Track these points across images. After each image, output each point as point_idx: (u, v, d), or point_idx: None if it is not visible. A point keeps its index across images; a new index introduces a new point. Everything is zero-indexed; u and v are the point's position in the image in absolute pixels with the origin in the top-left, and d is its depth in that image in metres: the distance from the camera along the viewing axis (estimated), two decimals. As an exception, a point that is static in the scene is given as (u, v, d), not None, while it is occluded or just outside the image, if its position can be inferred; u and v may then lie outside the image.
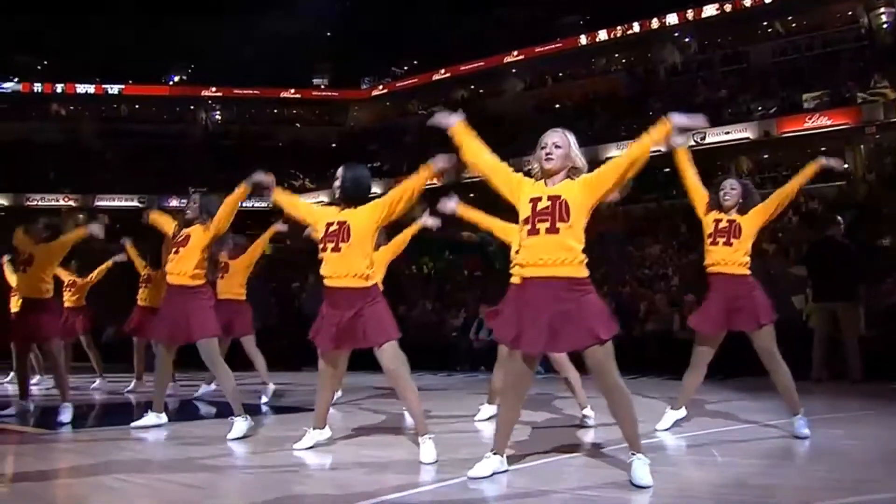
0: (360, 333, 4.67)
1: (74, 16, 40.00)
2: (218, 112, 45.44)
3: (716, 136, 28.21)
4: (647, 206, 27.74)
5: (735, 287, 5.31)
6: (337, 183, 4.93)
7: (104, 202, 38.46)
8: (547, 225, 3.88)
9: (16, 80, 42.85)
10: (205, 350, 5.82)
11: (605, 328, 3.82)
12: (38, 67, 44.13)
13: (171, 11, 40.69)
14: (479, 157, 4.21)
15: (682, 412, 5.63)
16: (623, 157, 3.93)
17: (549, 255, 3.86)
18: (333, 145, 43.11)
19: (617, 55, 37.53)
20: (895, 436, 5.53)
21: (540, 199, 3.94)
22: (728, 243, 5.30)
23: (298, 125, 44.71)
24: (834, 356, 9.45)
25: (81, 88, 43.55)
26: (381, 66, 44.21)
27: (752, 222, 5.36)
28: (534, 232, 3.91)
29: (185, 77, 46.26)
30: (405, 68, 44.21)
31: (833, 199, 23.82)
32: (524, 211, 3.98)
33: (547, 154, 4.00)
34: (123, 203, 38.59)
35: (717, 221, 5.38)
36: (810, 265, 9.96)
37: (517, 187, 4.07)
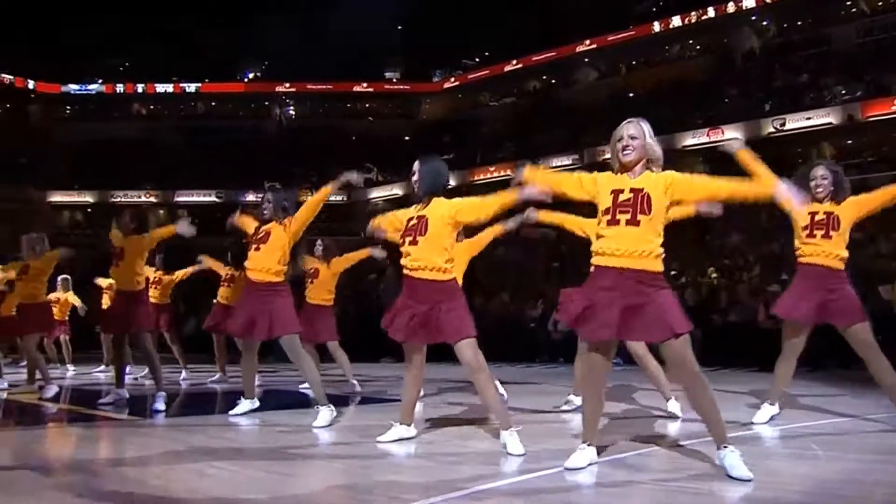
0: (433, 328, 4.67)
1: (152, 17, 41.16)
2: (292, 107, 46.15)
3: (796, 122, 27.43)
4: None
5: (828, 281, 5.17)
6: (414, 178, 4.94)
7: (183, 197, 39.55)
8: (628, 216, 3.86)
9: (100, 81, 44.38)
10: (287, 345, 5.94)
11: (680, 323, 3.78)
12: (121, 69, 45.58)
13: (245, 10, 41.47)
14: (556, 186, 4.23)
15: (777, 408, 5.50)
16: (721, 187, 3.91)
17: (628, 246, 3.84)
18: (406, 138, 43.30)
19: (691, 41, 36.75)
20: None
21: (622, 190, 3.92)
22: (827, 236, 5.16)
23: (371, 119, 45.07)
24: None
25: (161, 88, 44.82)
26: (452, 59, 44.23)
27: (850, 213, 5.20)
28: (614, 222, 3.89)
29: (259, 74, 47.09)
30: (476, 60, 44.10)
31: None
32: (605, 201, 3.96)
33: (624, 147, 3.96)
34: (202, 198, 39.60)
35: (814, 214, 5.22)
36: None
37: (592, 184, 4.05)
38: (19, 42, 40.58)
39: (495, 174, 35.06)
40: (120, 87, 44.70)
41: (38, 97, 43.94)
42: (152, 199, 39.54)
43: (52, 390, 7.81)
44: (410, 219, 4.85)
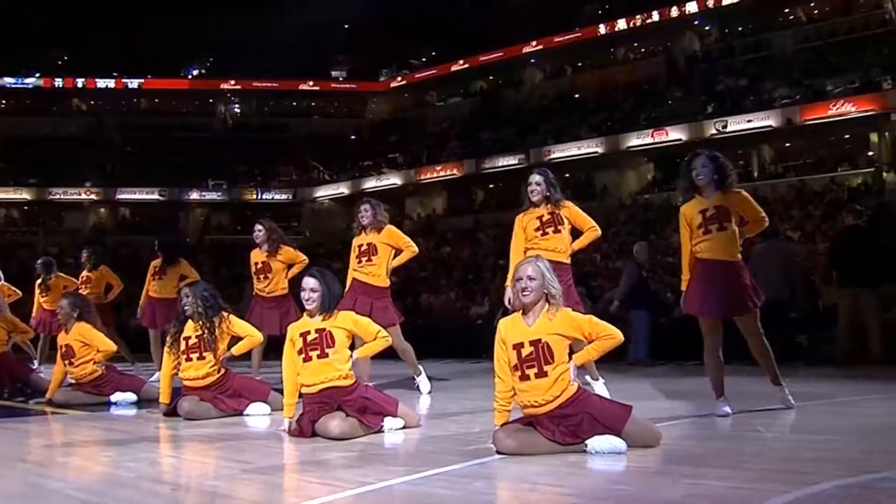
0: None
1: (93, 10, 40.22)
2: (237, 105, 45.56)
3: (737, 125, 27.97)
4: None
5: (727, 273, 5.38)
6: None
7: (125, 195, 38.77)
8: (535, 370, 4.05)
9: (37, 75, 43.15)
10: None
11: (616, 423, 4.06)
12: (59, 63, 44.43)
13: (190, 4, 40.78)
14: None
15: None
16: (596, 348, 4.17)
17: (545, 395, 4.03)
18: (353, 137, 43.14)
19: (636, 44, 37.23)
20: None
21: (522, 344, 4.10)
22: (722, 228, 5.30)
23: (317, 117, 44.77)
24: (857, 339, 9.55)
25: (102, 83, 43.74)
26: (399, 58, 44.11)
27: (735, 206, 5.34)
28: (525, 378, 4.07)
29: (203, 71, 46.40)
30: (423, 59, 44.07)
31: (858, 188, 23.61)
32: (511, 358, 4.12)
33: (523, 288, 4.14)
34: (144, 196, 38.88)
35: (704, 211, 5.34)
36: (836, 252, 10.00)
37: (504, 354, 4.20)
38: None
39: (441, 173, 35.13)
40: (59, 82, 43.53)
41: (-29, 90, 42.66)
42: (93, 197, 38.71)
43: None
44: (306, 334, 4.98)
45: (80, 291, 9.48)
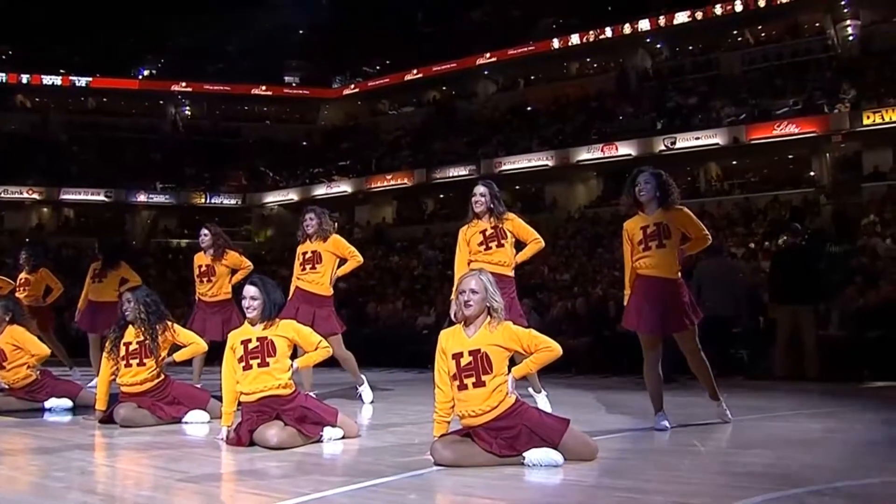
0: None
1: (40, 4, 39.42)
2: (188, 107, 44.87)
3: (686, 142, 28.43)
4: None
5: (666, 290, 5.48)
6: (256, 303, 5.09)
7: (70, 196, 37.85)
8: (473, 380, 4.09)
9: (-22, 69, 41.99)
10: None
11: (552, 435, 4.09)
12: (3, 57, 43.32)
13: (143, 4, 40.20)
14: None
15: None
16: (534, 361, 4.22)
17: (483, 406, 4.08)
18: (304, 143, 42.87)
19: (589, 59, 37.63)
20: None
21: (462, 354, 4.14)
22: (661, 245, 5.39)
23: (269, 122, 44.37)
24: (795, 355, 9.72)
25: (48, 80, 42.66)
26: (353, 65, 43.97)
27: (678, 223, 5.44)
28: (463, 387, 4.12)
29: (154, 71, 45.63)
30: (377, 68, 43.98)
31: (799, 207, 24.11)
32: (451, 368, 4.17)
33: (465, 301, 4.19)
34: (90, 197, 38.02)
35: (645, 228, 5.42)
36: (775, 270, 10.22)
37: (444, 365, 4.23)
38: None
39: (392, 182, 35.07)
40: (2, 77, 42.34)
41: None
42: (35, 196, 37.76)
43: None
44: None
45: (18, 294, 9.27)
